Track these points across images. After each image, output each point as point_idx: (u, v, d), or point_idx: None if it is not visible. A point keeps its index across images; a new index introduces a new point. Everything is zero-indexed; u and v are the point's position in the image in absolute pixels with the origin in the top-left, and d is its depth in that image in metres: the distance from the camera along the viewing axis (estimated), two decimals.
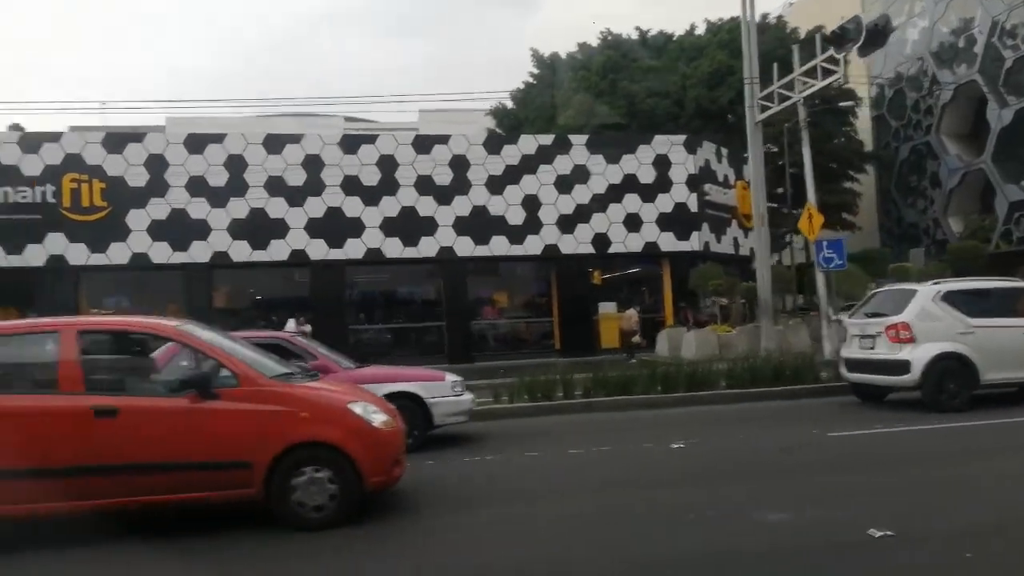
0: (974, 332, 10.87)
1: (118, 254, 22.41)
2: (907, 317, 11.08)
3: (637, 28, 41.84)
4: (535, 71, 43.15)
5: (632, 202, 25.78)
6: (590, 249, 25.45)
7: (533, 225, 25.09)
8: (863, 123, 43.27)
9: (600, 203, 25.55)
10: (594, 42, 42.88)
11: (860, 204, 42.10)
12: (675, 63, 39.34)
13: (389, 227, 24.24)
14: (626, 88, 37.68)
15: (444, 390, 9.79)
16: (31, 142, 22.45)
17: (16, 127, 27.04)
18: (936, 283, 11.73)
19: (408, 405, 8.98)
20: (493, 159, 25.11)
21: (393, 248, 24.23)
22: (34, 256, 21.96)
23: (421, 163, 24.64)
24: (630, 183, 25.80)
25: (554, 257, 25.36)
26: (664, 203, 26.01)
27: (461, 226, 24.63)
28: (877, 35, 16.66)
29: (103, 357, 6.57)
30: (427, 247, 24.42)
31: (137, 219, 22.60)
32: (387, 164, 24.43)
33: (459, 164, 24.87)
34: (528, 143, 25.86)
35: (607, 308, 25.90)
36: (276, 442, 5.90)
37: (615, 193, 25.69)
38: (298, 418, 6.00)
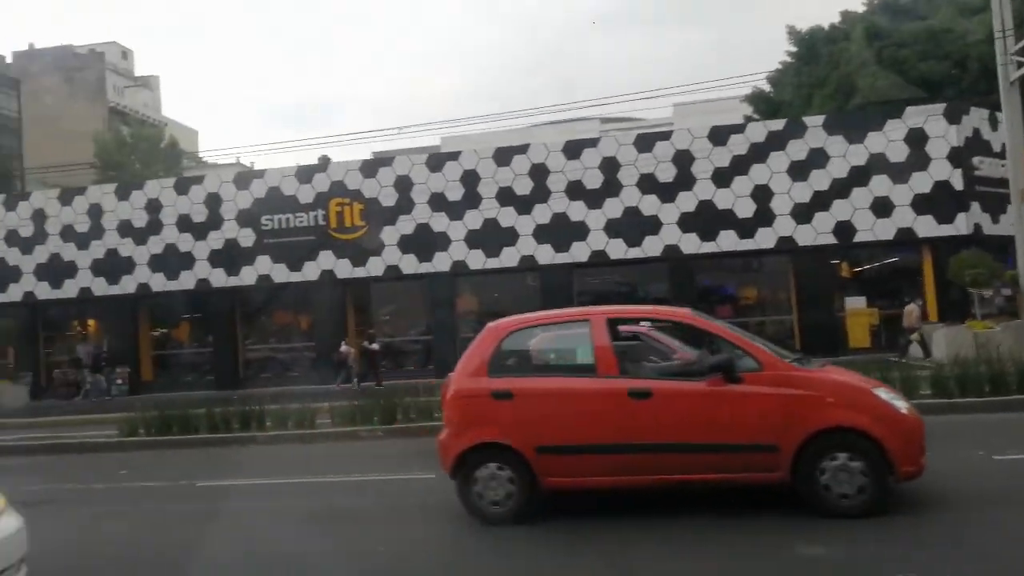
0: None
1: (374, 266, 25.17)
2: None
3: None
4: (792, 49, 40.26)
5: (881, 184, 23.02)
6: (831, 239, 23.22)
7: (765, 217, 23.53)
8: None
9: (842, 188, 23.20)
10: (861, 9, 38.98)
11: None
12: (955, 20, 34.32)
13: (613, 228, 24.28)
14: (892, 55, 33.68)
15: None
16: (304, 172, 26.01)
17: (324, 158, 31.68)
18: None
19: None
20: (719, 151, 23.98)
21: (617, 249, 24.23)
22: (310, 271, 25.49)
23: (643, 162, 24.33)
24: (878, 163, 23.07)
25: (790, 250, 23.55)
26: (921, 182, 22.86)
27: (686, 223, 23.90)
28: None
29: (631, 343, 7.27)
30: (652, 246, 24.06)
31: (389, 235, 25.16)
32: (609, 165, 24.47)
33: (682, 159, 24.14)
34: (756, 130, 24.29)
35: (855, 303, 23.45)
36: (803, 426, 5.92)
37: (860, 176, 23.16)
38: (824, 403, 5.99)
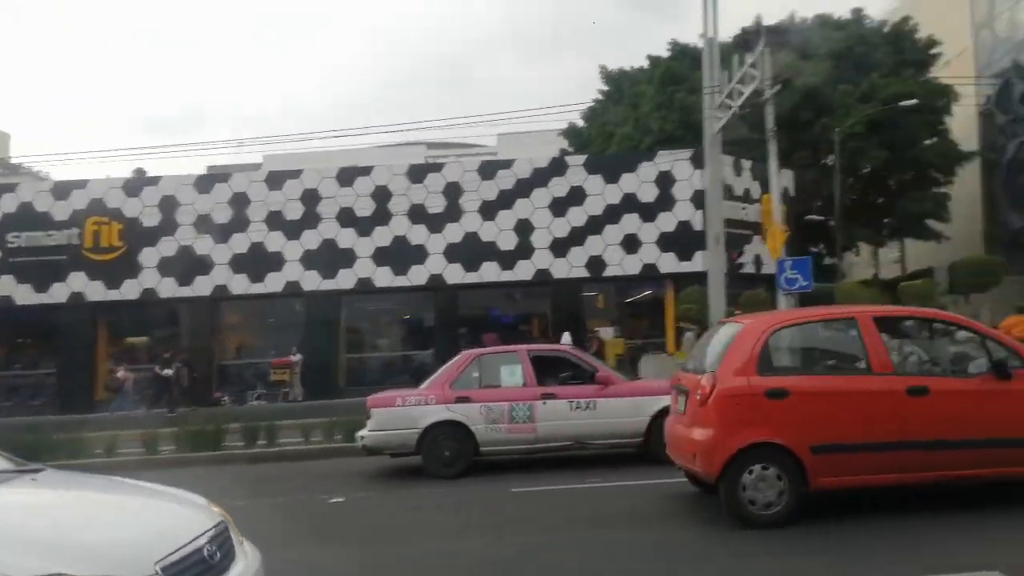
0: None
1: (129, 289, 23.99)
2: None
3: (702, 35, 39.47)
4: (604, 88, 41.87)
5: (631, 222, 24.14)
6: (584, 273, 24.10)
7: (525, 250, 24.14)
8: (968, 120, 38.14)
9: (597, 225, 24.16)
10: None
11: (956, 210, 37.17)
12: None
13: (381, 256, 24.24)
14: (683, 100, 35.60)
15: None
16: (61, 189, 24.56)
17: (139, 171, 30.24)
18: None
19: None
20: (487, 184, 24.46)
21: (384, 277, 24.20)
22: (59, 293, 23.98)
23: (415, 192, 24.47)
24: (629, 202, 24.19)
25: (546, 282, 24.27)
26: (666, 222, 24.14)
27: (452, 253, 24.18)
28: (782, 34, 14.58)
29: (907, 341, 7.14)
30: (418, 275, 24.18)
31: (148, 257, 24.09)
32: (381, 194, 24.46)
33: (452, 191, 24.45)
34: (523, 166, 24.97)
35: (606, 333, 24.40)
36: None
37: (613, 214, 24.19)
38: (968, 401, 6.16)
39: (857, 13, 36.69)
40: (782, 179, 28.44)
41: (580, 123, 42.62)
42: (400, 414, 9.54)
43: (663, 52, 39.90)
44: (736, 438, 6.03)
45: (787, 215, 28.27)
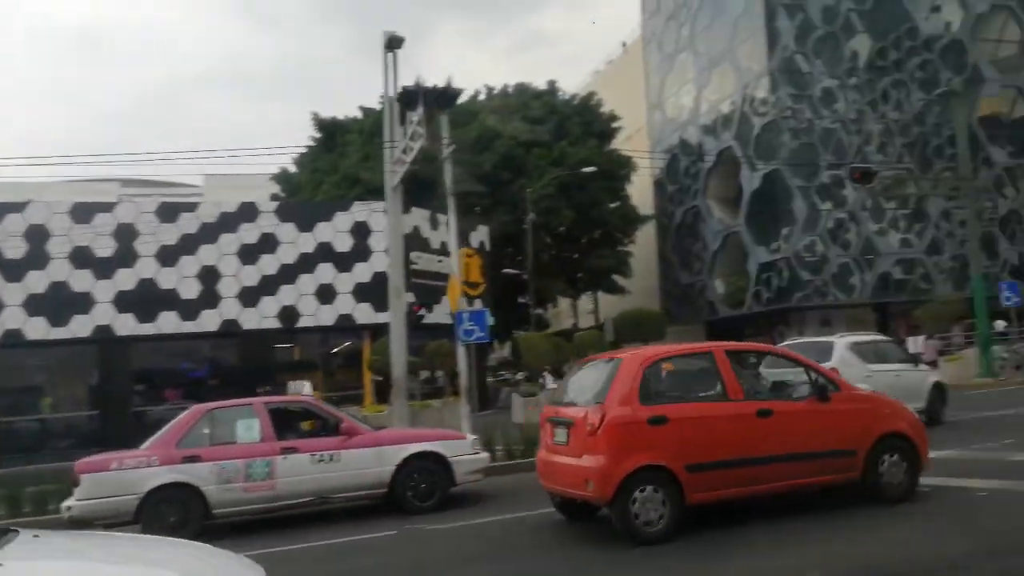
0: None
1: None
2: None
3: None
4: (316, 134, 41.17)
5: (326, 272, 23.58)
6: (276, 324, 23.02)
7: (210, 299, 22.50)
8: (646, 188, 43.15)
9: (290, 274, 23.25)
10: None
11: (638, 267, 41.67)
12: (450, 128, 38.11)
13: (36, 305, 21.17)
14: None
15: (465, 448, 9.56)
16: None
17: None
18: None
19: (429, 465, 9.02)
20: (167, 228, 22.52)
21: (38, 328, 21.12)
22: None
23: (79, 234, 21.79)
24: (325, 252, 23.66)
25: (234, 333, 22.80)
26: (362, 272, 23.93)
27: (123, 302, 21.80)
28: (442, 97, 15.18)
29: (750, 371, 7.79)
30: (81, 326, 21.43)
31: None
32: (37, 235, 21.46)
33: (124, 233, 22.15)
34: (208, 210, 23.45)
35: (299, 387, 23.41)
36: (872, 434, 7.13)
37: (308, 263, 23.47)
38: (882, 415, 7.34)
39: (551, 84, 40.04)
40: (479, 234, 29.82)
41: (293, 168, 41.51)
42: (116, 479, 8.47)
43: (375, 103, 40.41)
44: (626, 463, 6.43)
45: (483, 268, 29.62)
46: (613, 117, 39.14)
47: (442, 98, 15.13)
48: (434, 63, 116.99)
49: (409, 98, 15.01)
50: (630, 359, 6.96)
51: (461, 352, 17.86)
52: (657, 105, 44.31)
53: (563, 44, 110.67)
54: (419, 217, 25.77)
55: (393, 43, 17.21)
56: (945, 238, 36.71)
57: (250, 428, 9.09)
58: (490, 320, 21.79)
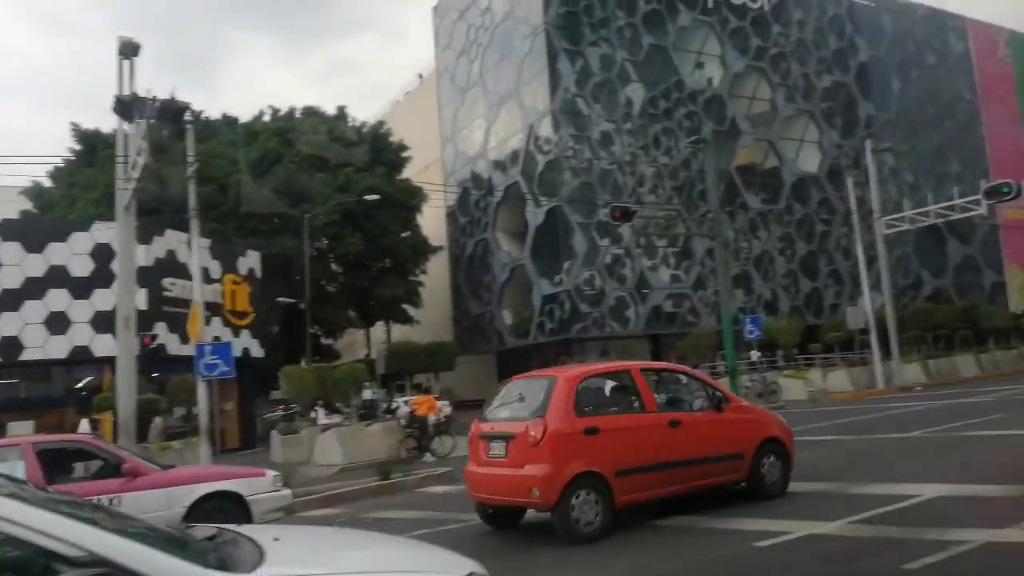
0: None
1: None
2: None
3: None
4: (76, 147, 37.20)
5: (59, 299, 20.89)
6: None
7: None
8: (440, 218, 43.14)
9: (14, 301, 20.33)
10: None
11: (433, 298, 41.42)
12: (228, 147, 35.89)
13: None
14: (159, 172, 33.21)
15: (265, 485, 9.02)
16: None
17: None
18: None
19: (225, 505, 8.33)
20: None
21: None
22: None
23: None
24: (58, 276, 20.96)
25: None
26: (103, 300, 21.44)
27: None
28: (165, 111, 13.96)
29: (660, 386, 8.73)
30: None
31: None
32: None
33: None
34: None
35: (20, 428, 20.40)
36: (756, 439, 8.25)
37: (36, 288, 20.67)
38: (762, 423, 8.55)
39: (341, 110, 39.05)
40: (248, 260, 28.01)
41: (48, 182, 37.22)
42: None
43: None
44: (565, 470, 7.05)
45: (253, 296, 27.85)
46: (402, 147, 38.84)
47: (165, 112, 13.81)
48: (246, 82, 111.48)
49: (126, 110, 13.54)
50: (564, 377, 7.62)
51: (202, 389, 16.35)
52: (450, 138, 44.62)
53: (374, 71, 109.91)
54: (175, 240, 23.68)
55: (127, 49, 15.58)
56: (709, 274, 39.67)
57: (13, 471, 7.62)
58: (236, 351, 20.35)
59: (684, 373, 9.19)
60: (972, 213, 25.35)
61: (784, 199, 42.49)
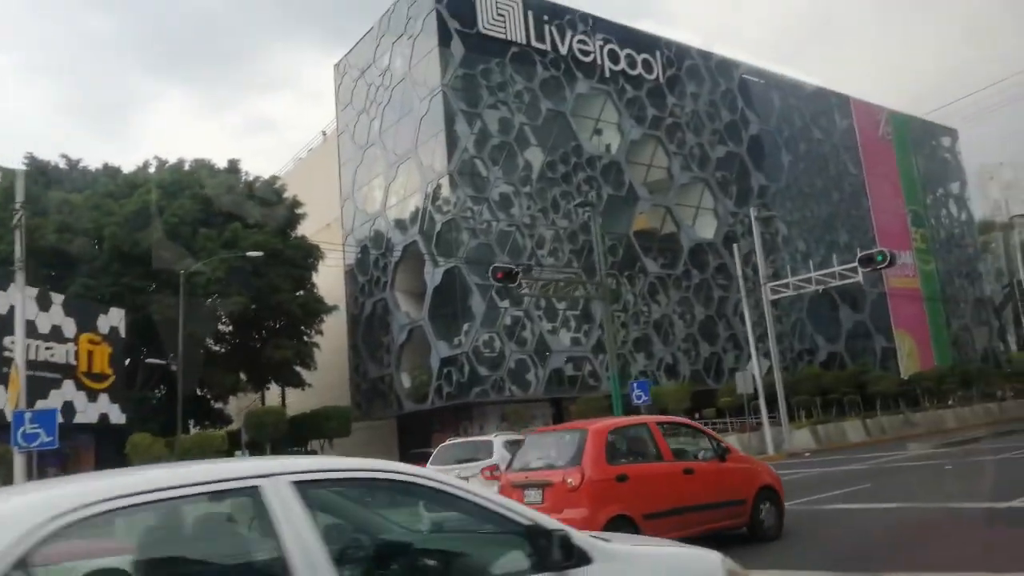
0: None
1: None
2: None
3: (64, 156, 35.99)
4: None
5: None
6: None
7: None
8: (335, 278, 41.75)
9: None
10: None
11: (329, 359, 39.71)
12: (105, 199, 33.88)
13: None
14: (26, 220, 30.96)
15: None
16: None
17: None
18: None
19: None
20: None
21: None
22: None
23: None
24: None
25: None
26: None
27: None
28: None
29: (671, 438, 9.49)
30: None
31: None
32: None
33: None
34: None
35: None
36: (754, 486, 9.09)
37: None
38: (758, 472, 9.41)
39: (233, 164, 37.69)
40: (110, 318, 26.02)
41: None
42: None
43: (20, 161, 35.08)
44: (602, 513, 7.76)
45: (113, 358, 25.76)
46: (297, 203, 37.63)
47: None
48: (161, 134, 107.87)
49: None
50: (594, 430, 8.56)
51: (19, 462, 14.53)
52: (350, 196, 43.72)
53: (291, 129, 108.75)
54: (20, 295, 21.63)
55: None
56: (613, 336, 39.45)
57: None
58: (92, 417, 18.67)
59: (690, 426, 10.27)
60: (849, 281, 25.92)
61: (682, 264, 43.07)
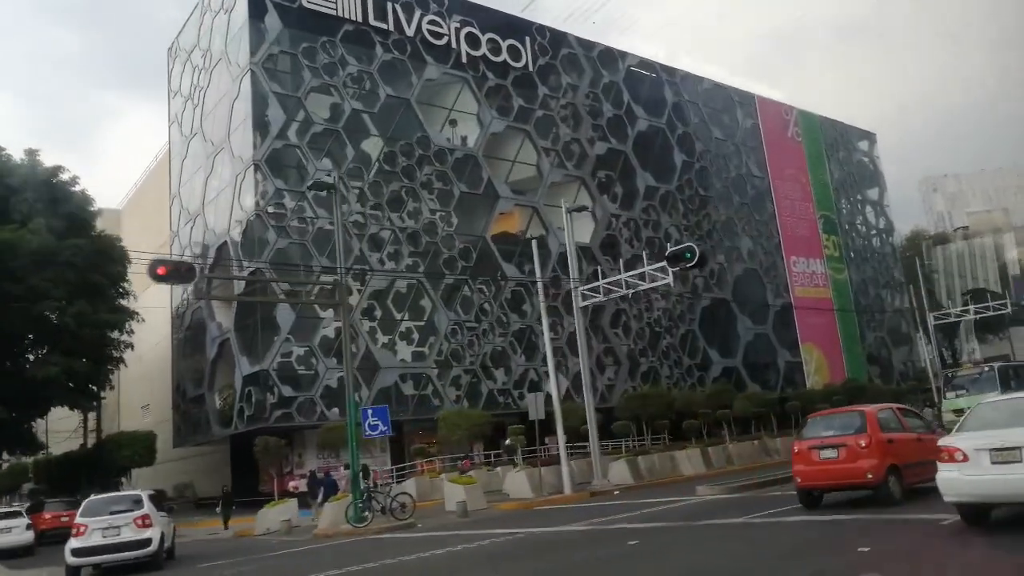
0: None
1: None
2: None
3: None
4: None
5: None
6: None
7: None
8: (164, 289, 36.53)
9: None
10: None
11: (157, 379, 34.43)
12: None
13: None
14: None
15: None
16: None
17: None
18: None
19: None
20: None
21: None
22: None
23: None
24: None
25: None
26: None
27: None
28: None
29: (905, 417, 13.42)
30: None
31: None
32: None
33: None
34: None
35: None
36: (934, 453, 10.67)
37: None
38: (934, 444, 10.12)
39: (32, 153, 32.42)
40: None
41: None
42: None
43: None
44: (884, 462, 11.66)
45: None
46: (87, 199, 32.44)
47: None
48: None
49: None
50: (869, 411, 12.62)
51: None
52: (177, 192, 38.60)
53: None
54: None
55: None
56: (464, 351, 34.56)
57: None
58: None
59: (907, 411, 13.91)
60: (661, 283, 21.21)
61: (551, 270, 38.27)
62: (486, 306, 36.11)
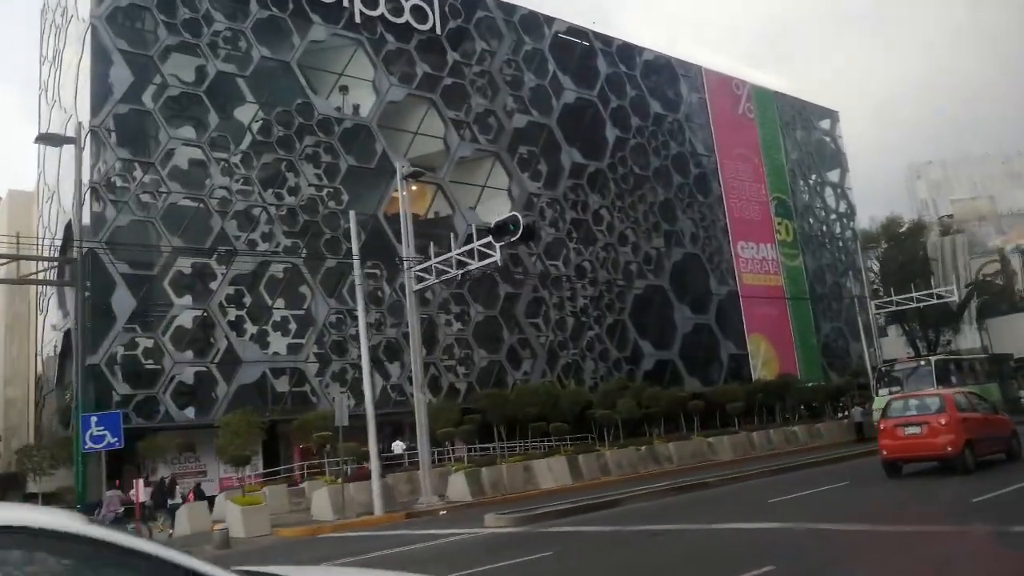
0: None
1: None
2: None
3: None
4: None
5: None
6: None
7: None
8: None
9: None
10: None
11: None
12: None
13: None
14: None
15: None
16: None
17: None
18: None
19: None
20: None
21: None
22: None
23: None
24: None
25: None
26: None
27: None
28: None
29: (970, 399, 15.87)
30: None
31: None
32: None
33: None
34: None
35: None
36: (1008, 430, 15.37)
37: None
38: (1008, 422, 15.48)
39: None
40: None
41: None
42: None
43: None
44: (961, 437, 13.71)
45: None
46: None
47: None
48: None
49: None
50: (947, 395, 14.98)
51: None
52: (42, 169, 34.77)
53: None
54: None
55: None
56: (349, 344, 30.82)
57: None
58: None
59: (976, 395, 16.21)
60: (489, 261, 17.44)
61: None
62: (379, 293, 32.33)
